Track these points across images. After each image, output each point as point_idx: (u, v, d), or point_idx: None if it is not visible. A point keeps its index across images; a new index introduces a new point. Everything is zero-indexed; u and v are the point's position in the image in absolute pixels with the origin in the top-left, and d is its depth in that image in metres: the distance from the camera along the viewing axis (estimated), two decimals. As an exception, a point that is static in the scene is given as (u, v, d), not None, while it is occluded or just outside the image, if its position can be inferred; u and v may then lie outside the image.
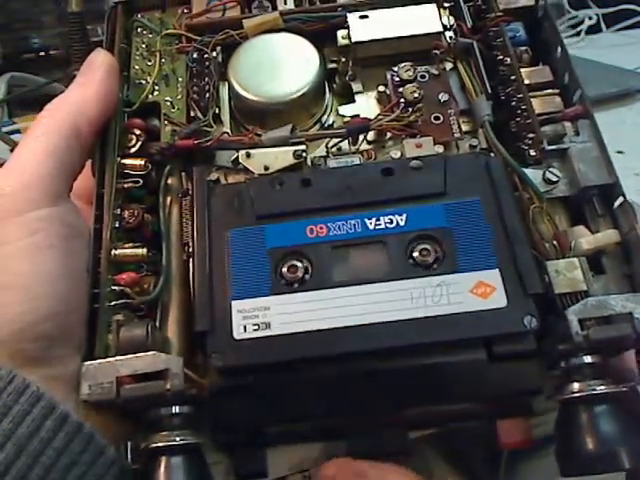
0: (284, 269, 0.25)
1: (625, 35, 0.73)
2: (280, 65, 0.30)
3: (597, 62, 0.63)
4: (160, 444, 0.23)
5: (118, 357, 0.23)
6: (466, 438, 0.33)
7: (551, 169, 0.27)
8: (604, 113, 0.52)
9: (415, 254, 0.25)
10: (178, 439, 0.23)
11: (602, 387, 0.23)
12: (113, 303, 0.25)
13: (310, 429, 0.27)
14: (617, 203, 0.26)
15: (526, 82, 0.29)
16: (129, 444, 0.24)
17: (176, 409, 0.24)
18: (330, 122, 0.31)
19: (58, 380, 0.24)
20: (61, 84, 0.54)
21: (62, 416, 0.22)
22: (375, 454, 0.26)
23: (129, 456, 0.23)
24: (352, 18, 0.31)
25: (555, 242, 0.26)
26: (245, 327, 0.24)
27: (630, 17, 0.74)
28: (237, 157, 0.29)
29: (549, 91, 0.29)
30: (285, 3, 0.33)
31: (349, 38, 0.31)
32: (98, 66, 0.29)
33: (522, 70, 0.29)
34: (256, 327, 0.24)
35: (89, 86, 0.28)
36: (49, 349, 0.23)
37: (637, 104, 0.56)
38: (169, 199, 0.28)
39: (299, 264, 0.25)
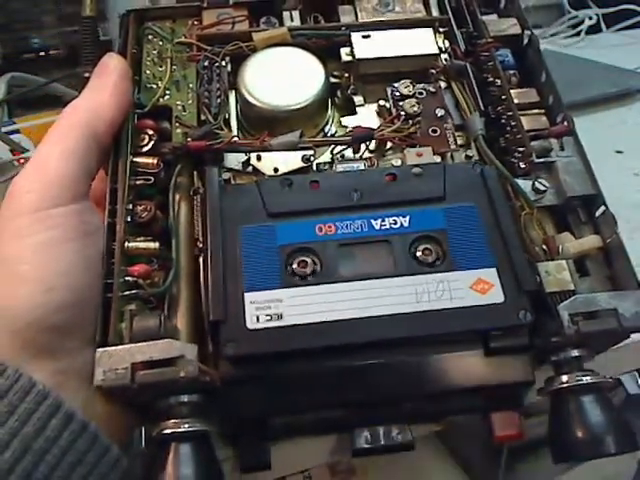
0: (294, 264, 0.26)
1: (625, 35, 0.73)
2: (288, 76, 0.32)
3: (597, 62, 0.62)
4: (169, 431, 0.24)
5: (133, 344, 0.24)
6: (467, 437, 0.34)
7: (539, 180, 0.29)
8: (604, 113, 0.52)
9: (418, 253, 0.27)
10: (187, 426, 0.24)
11: (588, 378, 0.25)
12: (126, 293, 0.25)
13: (315, 421, 0.28)
14: (599, 212, 0.28)
15: (515, 102, 0.32)
16: (143, 430, 0.24)
17: (186, 398, 0.24)
18: (332, 132, 0.33)
19: (68, 373, 0.24)
20: (61, 84, 0.54)
21: (68, 415, 0.22)
22: (378, 450, 0.28)
23: (143, 442, 0.23)
24: (355, 37, 0.33)
25: (544, 246, 0.28)
26: (258, 317, 0.25)
27: (630, 17, 0.74)
28: (247, 159, 0.30)
29: (535, 111, 0.32)
30: (292, 20, 0.35)
31: (352, 55, 0.33)
32: (112, 70, 0.30)
33: (511, 91, 0.32)
34: (269, 318, 0.25)
35: (104, 90, 0.29)
36: (62, 340, 0.24)
37: (637, 104, 0.55)
38: (178, 197, 0.29)
39: (309, 260, 0.26)
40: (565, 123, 0.31)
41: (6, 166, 0.49)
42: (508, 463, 0.34)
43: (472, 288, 0.26)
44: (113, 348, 0.23)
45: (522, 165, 0.30)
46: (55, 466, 0.22)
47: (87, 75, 0.31)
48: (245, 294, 0.25)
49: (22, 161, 0.50)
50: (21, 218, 0.25)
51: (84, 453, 0.23)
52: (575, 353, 0.26)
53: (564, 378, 0.25)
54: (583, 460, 0.25)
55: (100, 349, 0.23)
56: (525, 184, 0.29)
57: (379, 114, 0.33)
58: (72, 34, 0.60)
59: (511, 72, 0.33)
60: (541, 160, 0.30)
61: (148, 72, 0.33)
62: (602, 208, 0.28)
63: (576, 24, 0.76)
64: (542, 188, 0.29)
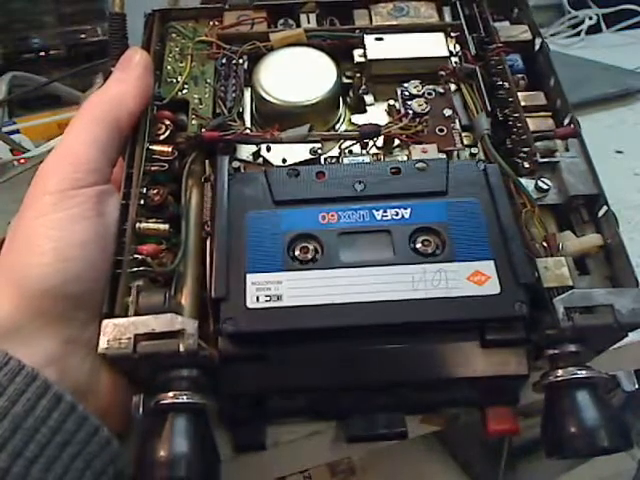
0: (296, 250, 0.27)
1: (625, 35, 0.74)
2: (302, 74, 0.33)
3: (597, 62, 0.62)
4: (167, 401, 0.24)
5: (137, 317, 0.25)
6: (467, 438, 0.34)
7: (543, 179, 0.29)
8: (605, 113, 0.52)
9: (418, 244, 0.27)
10: (185, 398, 0.24)
11: (583, 372, 0.25)
12: (134, 269, 0.27)
13: (311, 405, 0.28)
14: (601, 212, 0.29)
15: (522, 104, 0.32)
16: (141, 398, 0.25)
17: (185, 372, 0.25)
18: (343, 129, 0.34)
19: (78, 343, 0.25)
20: (61, 84, 0.56)
21: (57, 396, 0.23)
22: (372, 438, 0.28)
23: (140, 410, 0.24)
24: (368, 39, 0.35)
25: (545, 243, 0.28)
26: (258, 297, 0.26)
27: (630, 17, 0.74)
28: (257, 150, 0.31)
29: (542, 113, 0.32)
30: (308, 22, 0.36)
31: (365, 56, 0.34)
32: (136, 64, 0.31)
33: (519, 94, 0.33)
34: (268, 298, 0.26)
35: (128, 82, 0.30)
36: (75, 310, 0.25)
37: (637, 104, 0.55)
38: (191, 183, 0.31)
39: (310, 246, 0.27)
40: (571, 125, 0.31)
41: (6, 166, 0.50)
42: (508, 463, 0.33)
43: (469, 279, 0.26)
44: (118, 320, 0.25)
45: (526, 165, 0.30)
46: (45, 445, 0.22)
47: (112, 69, 0.32)
48: (247, 275, 0.26)
49: (22, 161, 0.50)
50: (45, 197, 0.26)
51: (73, 433, 0.23)
52: (571, 348, 0.26)
53: (559, 372, 0.26)
54: (575, 455, 0.25)
55: (106, 320, 0.25)
56: (528, 183, 0.30)
57: (388, 113, 0.34)
58: (72, 34, 0.61)
59: (520, 76, 0.34)
60: (545, 160, 0.30)
61: (169, 67, 0.35)
62: (604, 208, 0.28)
63: (576, 24, 0.76)
64: (545, 187, 0.29)
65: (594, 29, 0.76)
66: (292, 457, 0.32)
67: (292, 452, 0.31)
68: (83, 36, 0.62)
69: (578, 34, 0.75)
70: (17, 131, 0.57)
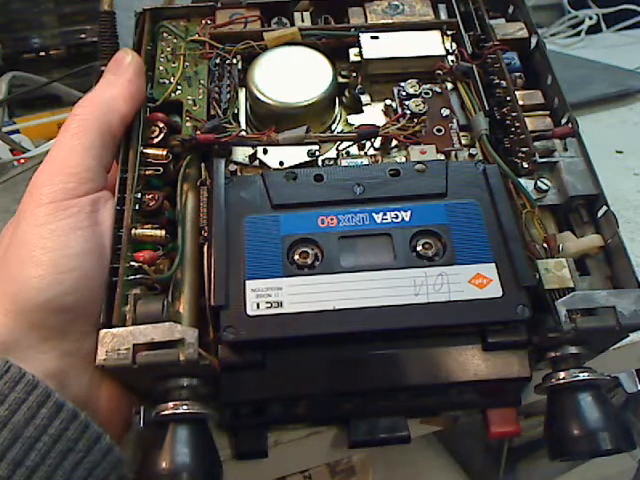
0: (296, 255, 0.27)
1: (625, 35, 0.75)
2: (297, 74, 0.33)
3: (597, 62, 0.63)
4: (168, 412, 0.24)
5: (135, 326, 0.24)
6: (467, 437, 0.34)
7: (542, 179, 0.29)
8: (605, 113, 0.52)
9: (418, 247, 0.27)
10: (186, 408, 0.24)
11: (585, 375, 0.25)
12: (131, 277, 0.26)
13: (313, 410, 0.28)
14: (601, 212, 0.29)
15: (520, 103, 0.32)
16: (142, 409, 0.24)
17: (186, 381, 0.25)
18: (339, 130, 0.34)
19: (77, 356, 0.25)
20: (61, 84, 0.55)
21: (57, 404, 0.23)
22: (375, 443, 0.28)
23: (141, 421, 0.24)
24: (364, 38, 0.34)
25: (545, 244, 0.28)
26: (258, 304, 0.25)
27: (630, 17, 0.75)
28: (254, 153, 0.31)
29: (540, 112, 0.32)
30: (302, 21, 0.36)
31: (361, 55, 0.34)
32: (127, 66, 0.31)
33: (516, 93, 0.32)
34: (269, 305, 0.25)
35: (120, 85, 0.30)
36: (72, 323, 0.25)
37: (637, 104, 0.55)
38: (186, 187, 0.30)
39: (310, 251, 0.27)
40: (569, 124, 0.31)
41: (6, 166, 0.50)
42: (508, 463, 0.33)
43: (470, 282, 0.26)
44: (116, 329, 0.24)
45: (525, 165, 0.30)
46: (46, 454, 0.22)
47: (103, 69, 0.32)
48: (247, 282, 0.26)
49: (22, 161, 0.50)
50: (39, 209, 0.26)
51: (75, 441, 0.23)
52: (573, 350, 0.26)
53: (561, 375, 0.26)
54: (579, 457, 0.25)
55: (103, 330, 0.24)
56: (527, 183, 0.29)
57: (385, 113, 0.34)
58: (72, 34, 0.61)
59: (517, 74, 0.34)
60: (544, 160, 0.30)
61: (161, 68, 0.34)
62: (604, 208, 0.28)
63: (576, 24, 0.76)
64: (544, 187, 0.29)
65: (594, 29, 0.76)
66: (292, 457, 0.32)
67: (292, 452, 0.31)
68: (83, 36, 0.62)
69: (578, 34, 0.76)
70: (17, 131, 0.56)
